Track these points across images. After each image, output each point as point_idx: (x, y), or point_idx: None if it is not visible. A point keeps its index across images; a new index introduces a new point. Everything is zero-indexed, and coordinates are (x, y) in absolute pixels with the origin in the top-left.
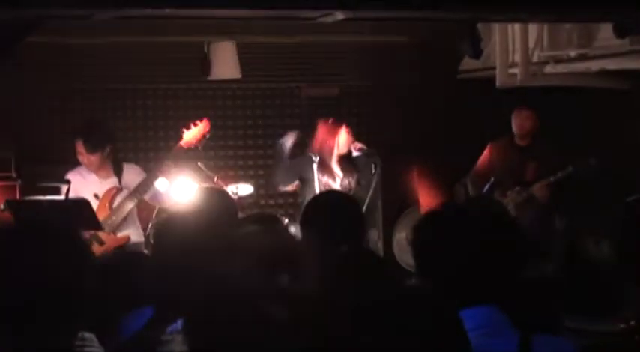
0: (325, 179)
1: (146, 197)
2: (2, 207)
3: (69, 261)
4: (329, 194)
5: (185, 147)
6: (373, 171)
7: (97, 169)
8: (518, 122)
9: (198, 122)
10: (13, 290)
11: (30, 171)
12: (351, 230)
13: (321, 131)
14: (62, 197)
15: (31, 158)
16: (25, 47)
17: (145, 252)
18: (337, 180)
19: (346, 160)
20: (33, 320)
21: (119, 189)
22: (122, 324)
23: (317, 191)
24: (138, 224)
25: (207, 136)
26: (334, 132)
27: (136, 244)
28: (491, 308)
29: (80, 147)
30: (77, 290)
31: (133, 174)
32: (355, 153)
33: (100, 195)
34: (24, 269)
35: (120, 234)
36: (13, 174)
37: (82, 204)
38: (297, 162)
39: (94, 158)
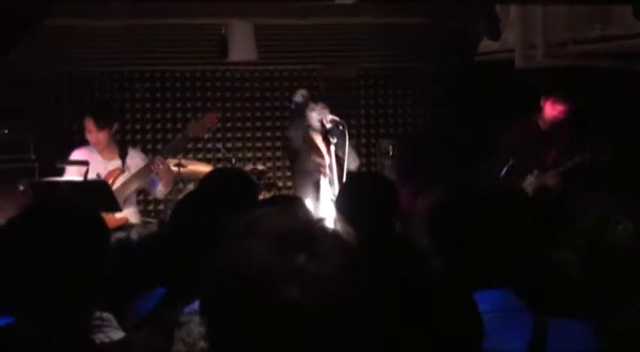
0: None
1: (147, 181)
2: (22, 187)
3: (90, 241)
4: (361, 175)
5: (192, 135)
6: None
7: (103, 149)
8: (547, 109)
9: (206, 113)
10: (35, 271)
11: (48, 152)
12: (375, 212)
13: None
14: (80, 178)
15: (49, 140)
16: (41, 30)
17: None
18: (326, 157)
19: (323, 134)
20: (54, 299)
21: (122, 171)
22: (135, 305)
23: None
24: (136, 207)
25: (215, 127)
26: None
27: (134, 225)
28: (506, 292)
29: (89, 124)
30: (97, 269)
31: (136, 159)
32: (328, 126)
33: (103, 175)
34: (46, 249)
35: (118, 215)
36: (32, 156)
37: (101, 185)
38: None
39: (102, 135)
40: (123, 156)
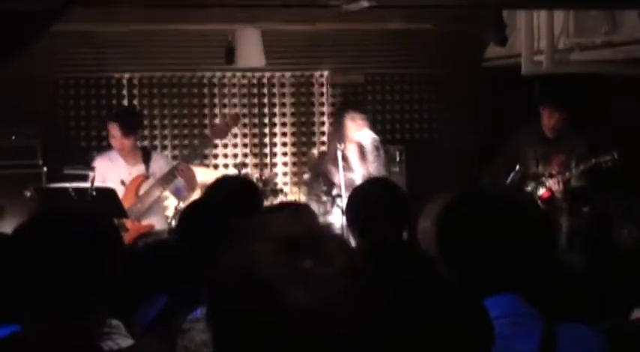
0: (344, 170)
1: (171, 187)
2: (29, 193)
3: (98, 248)
4: (369, 182)
5: (212, 139)
6: (397, 159)
7: (127, 154)
8: (545, 118)
9: (228, 118)
10: (42, 278)
11: (55, 158)
12: (384, 219)
13: (343, 122)
14: (88, 184)
15: (56, 146)
16: (49, 35)
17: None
18: (356, 171)
19: (360, 149)
20: (62, 306)
21: (146, 177)
22: (140, 312)
23: (338, 182)
24: (163, 212)
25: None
26: (346, 123)
27: (161, 232)
28: (516, 297)
29: (115, 130)
30: (106, 276)
31: (161, 163)
32: (365, 143)
33: (127, 181)
34: (54, 257)
35: (144, 222)
36: (39, 162)
37: (108, 192)
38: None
39: (128, 141)
40: (146, 160)
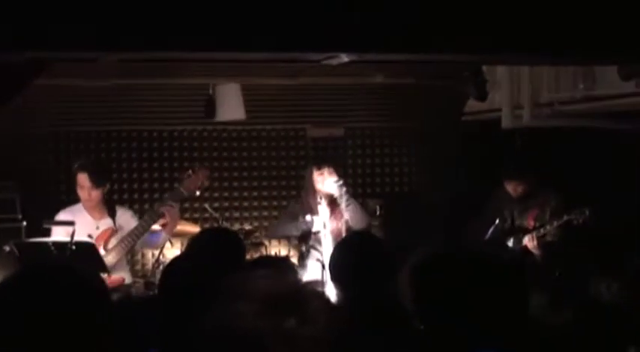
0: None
1: (139, 242)
2: (8, 248)
3: (86, 303)
4: (350, 235)
5: (184, 192)
6: (377, 212)
7: (93, 207)
8: (510, 190)
9: (197, 170)
10: (31, 335)
11: (35, 212)
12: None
13: (310, 175)
14: (67, 239)
15: (36, 200)
16: (29, 89)
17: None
18: (327, 225)
19: (330, 201)
20: None
21: (114, 231)
22: None
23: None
24: (128, 266)
25: (206, 184)
26: (313, 177)
27: (130, 286)
28: None
29: (84, 180)
30: (95, 330)
31: (127, 217)
32: (332, 191)
33: (94, 235)
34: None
35: (114, 276)
36: (19, 216)
37: (88, 246)
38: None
39: (96, 193)
40: (112, 215)
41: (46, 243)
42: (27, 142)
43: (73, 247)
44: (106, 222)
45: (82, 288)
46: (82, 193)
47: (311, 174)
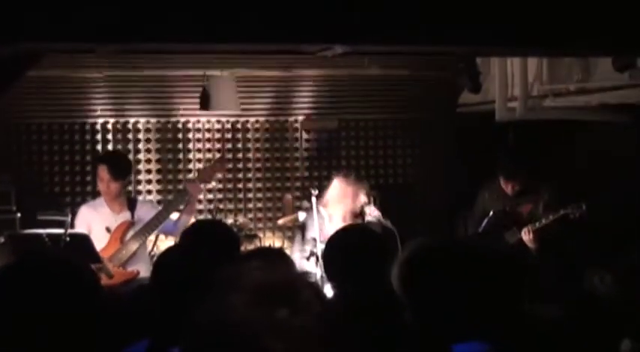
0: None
1: (156, 232)
2: (2, 239)
3: (76, 294)
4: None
5: (199, 182)
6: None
7: (112, 200)
8: (504, 186)
9: (215, 162)
10: (23, 325)
11: (30, 204)
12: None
13: (338, 186)
14: (61, 230)
15: (30, 191)
16: (23, 80)
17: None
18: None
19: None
20: None
21: (131, 223)
22: None
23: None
24: (149, 260)
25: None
26: (351, 191)
27: (146, 279)
28: (484, 346)
29: (104, 172)
30: (86, 322)
31: (146, 208)
32: (368, 218)
33: (112, 228)
34: (31, 305)
35: (129, 268)
36: (13, 208)
37: (82, 237)
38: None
39: (115, 186)
40: (132, 208)
41: (39, 235)
42: (22, 134)
43: (67, 239)
44: (124, 216)
45: (70, 279)
46: (101, 185)
47: (345, 186)
